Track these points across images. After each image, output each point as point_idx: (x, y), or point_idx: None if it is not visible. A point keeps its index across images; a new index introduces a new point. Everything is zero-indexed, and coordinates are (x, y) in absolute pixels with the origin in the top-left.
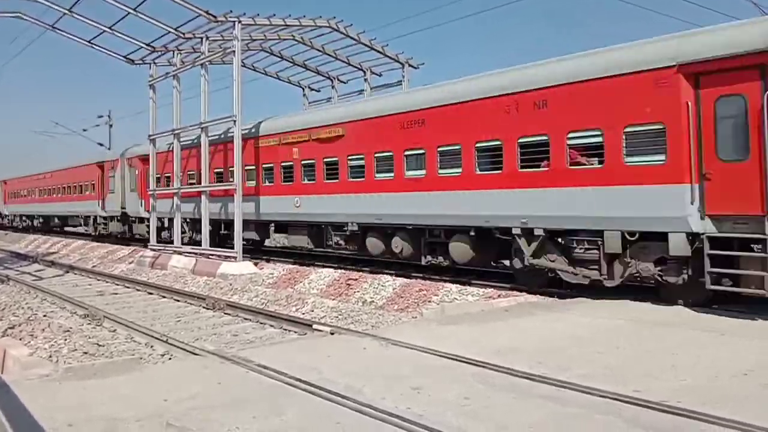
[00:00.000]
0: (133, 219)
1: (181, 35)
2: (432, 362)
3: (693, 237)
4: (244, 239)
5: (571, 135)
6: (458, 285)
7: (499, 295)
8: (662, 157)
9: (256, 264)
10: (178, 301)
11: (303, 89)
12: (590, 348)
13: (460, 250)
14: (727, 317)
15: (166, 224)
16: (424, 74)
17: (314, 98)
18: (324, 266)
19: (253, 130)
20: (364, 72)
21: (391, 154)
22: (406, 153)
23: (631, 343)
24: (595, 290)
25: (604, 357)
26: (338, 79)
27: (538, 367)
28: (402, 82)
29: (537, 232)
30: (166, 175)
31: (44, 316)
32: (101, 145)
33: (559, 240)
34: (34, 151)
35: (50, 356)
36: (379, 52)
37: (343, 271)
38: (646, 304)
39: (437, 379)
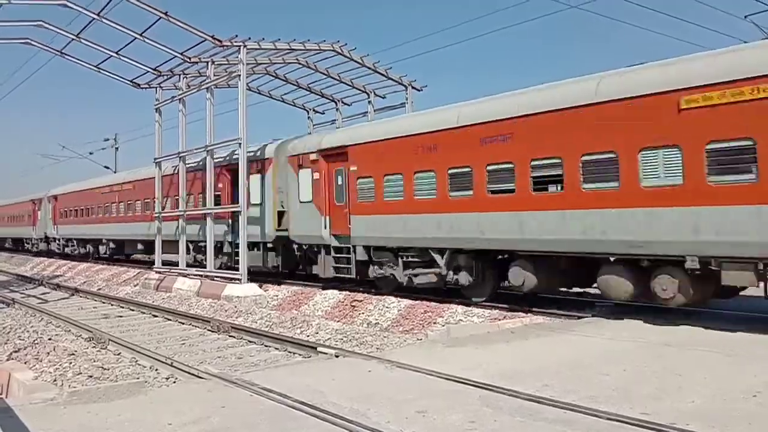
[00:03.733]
0: (51, 239)
1: (187, 59)
2: (437, 385)
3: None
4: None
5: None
6: (464, 306)
7: (504, 317)
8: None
9: (260, 286)
10: (183, 323)
11: (308, 112)
12: (597, 369)
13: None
14: (732, 333)
15: (90, 250)
16: (427, 96)
17: (319, 120)
18: (328, 288)
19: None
20: (368, 94)
21: None
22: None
23: (637, 364)
24: (599, 311)
25: (610, 379)
26: (342, 102)
27: (545, 389)
28: (405, 104)
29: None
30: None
31: (49, 339)
32: (107, 168)
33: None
34: (41, 174)
35: (55, 380)
36: (382, 74)
37: (347, 292)
38: (650, 325)
39: (443, 402)
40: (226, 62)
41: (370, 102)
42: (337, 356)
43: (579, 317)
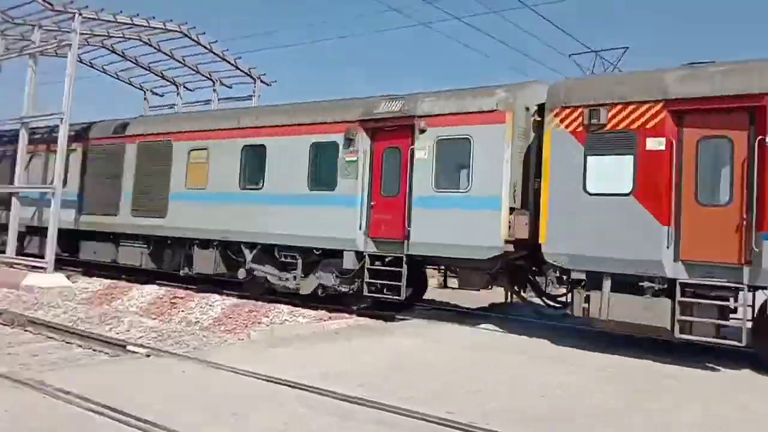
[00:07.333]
0: None
1: (9, 19)
2: (255, 386)
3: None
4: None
5: None
6: (290, 306)
7: (329, 318)
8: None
9: (68, 277)
10: None
11: (145, 92)
12: (414, 371)
13: None
14: (530, 339)
15: None
16: (277, 91)
17: (156, 103)
18: (148, 283)
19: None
20: (214, 82)
21: None
22: None
23: (452, 365)
24: (419, 313)
25: (427, 380)
26: (185, 87)
27: (362, 389)
28: (253, 97)
29: None
30: None
31: None
32: None
33: None
34: None
35: None
36: (231, 63)
37: (168, 288)
38: (468, 328)
39: (259, 403)
40: (57, 29)
41: (215, 90)
42: (148, 356)
43: (401, 319)
